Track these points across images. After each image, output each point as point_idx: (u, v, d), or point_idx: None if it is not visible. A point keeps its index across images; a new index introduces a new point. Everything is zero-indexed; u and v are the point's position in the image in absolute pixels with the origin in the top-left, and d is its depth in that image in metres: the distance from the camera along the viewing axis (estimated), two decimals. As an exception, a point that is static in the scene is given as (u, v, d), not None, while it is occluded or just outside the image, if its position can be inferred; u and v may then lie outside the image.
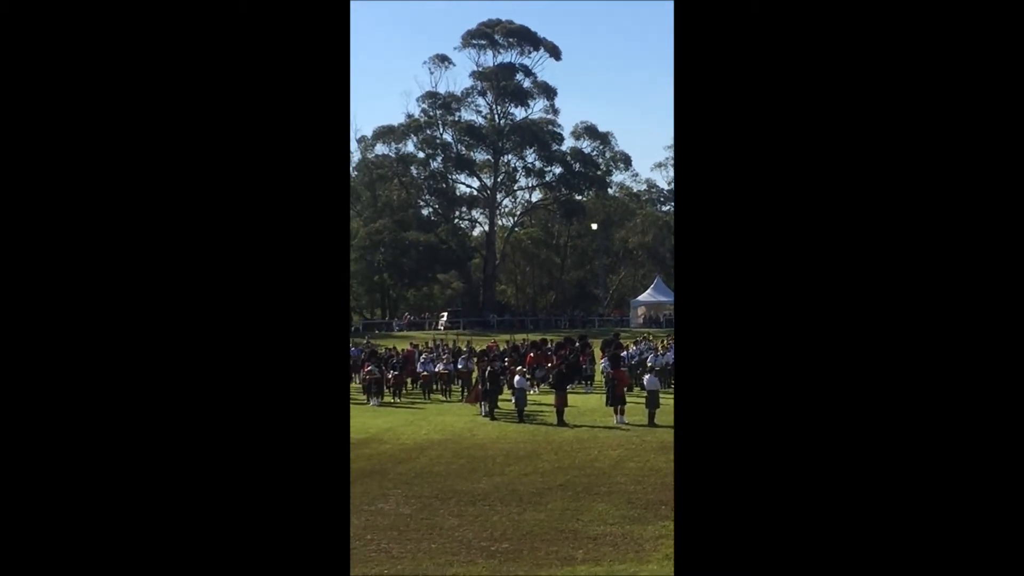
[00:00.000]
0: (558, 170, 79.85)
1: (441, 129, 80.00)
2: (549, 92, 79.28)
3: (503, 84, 77.83)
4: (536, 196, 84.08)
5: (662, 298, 65.69)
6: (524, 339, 41.74)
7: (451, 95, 79.52)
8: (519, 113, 79.73)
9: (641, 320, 65.14)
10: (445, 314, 74.19)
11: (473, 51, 79.40)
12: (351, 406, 30.04)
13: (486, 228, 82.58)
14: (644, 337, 36.43)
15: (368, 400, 31.02)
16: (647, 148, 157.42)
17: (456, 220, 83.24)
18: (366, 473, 17.94)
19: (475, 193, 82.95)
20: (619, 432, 22.25)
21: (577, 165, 79.57)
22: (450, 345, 39.65)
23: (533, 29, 79.32)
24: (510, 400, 26.81)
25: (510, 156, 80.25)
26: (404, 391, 33.06)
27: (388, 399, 31.48)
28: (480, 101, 79.88)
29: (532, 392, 29.16)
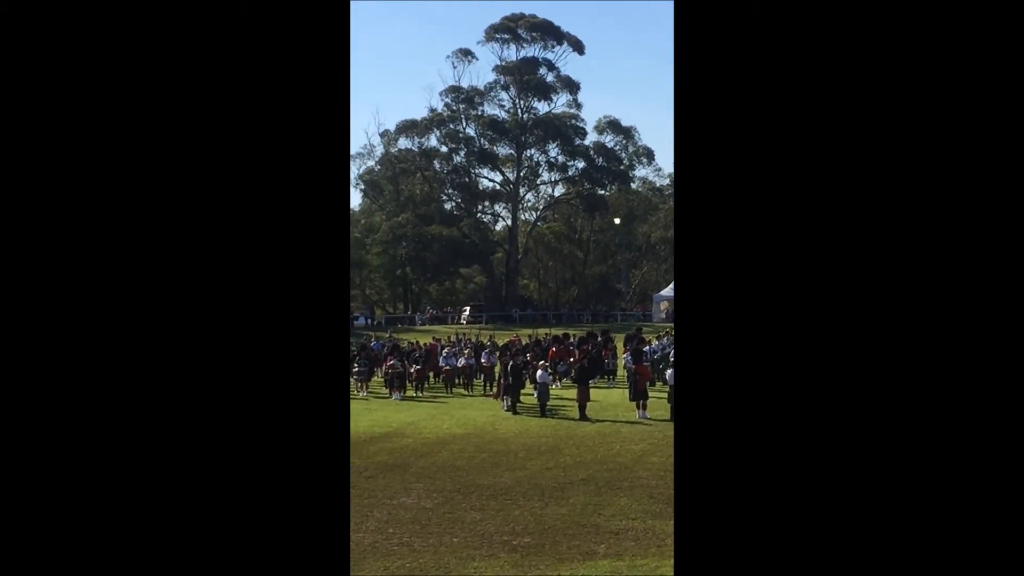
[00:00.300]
0: (581, 164, 79.74)
1: (464, 123, 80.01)
2: (572, 86, 79.18)
3: (526, 78, 77.72)
4: (559, 191, 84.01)
5: (685, 293, 65.32)
6: (546, 333, 41.75)
7: (474, 89, 79.54)
8: (542, 107, 79.67)
9: (664, 315, 64.92)
10: (467, 308, 74.34)
11: (496, 45, 79.41)
12: (374, 400, 30.26)
13: (509, 222, 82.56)
14: (667, 332, 36.35)
15: (390, 394, 31.12)
16: (670, 143, 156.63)
17: (479, 214, 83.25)
18: (388, 467, 17.99)
19: (498, 187, 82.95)
20: (641, 427, 22.23)
21: (600, 159, 79.44)
22: (472, 339, 39.65)
23: (556, 23, 79.30)
24: (532, 395, 26.83)
25: (533, 150, 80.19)
26: (426, 385, 33.14)
27: (410, 393, 31.56)
28: (503, 95, 79.86)
29: (554, 387, 29.16)
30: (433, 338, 41.31)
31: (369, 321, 72.31)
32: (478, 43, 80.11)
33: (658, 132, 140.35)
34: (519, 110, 79.33)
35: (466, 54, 79.87)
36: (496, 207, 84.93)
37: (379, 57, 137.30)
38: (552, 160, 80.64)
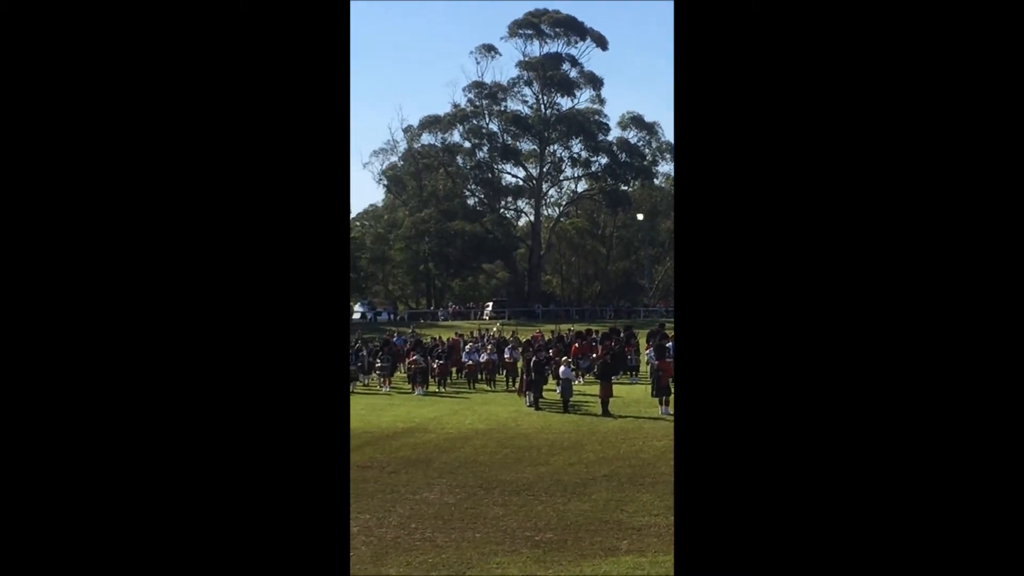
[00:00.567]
0: (604, 160, 79.70)
1: (487, 119, 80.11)
2: (595, 82, 79.14)
3: (549, 74, 77.72)
4: (582, 186, 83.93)
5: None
6: (569, 329, 41.71)
7: (497, 85, 79.56)
8: (565, 103, 79.70)
9: (687, 311, 64.61)
10: (490, 304, 74.44)
11: (520, 41, 79.51)
12: (397, 395, 30.32)
13: (532, 218, 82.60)
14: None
15: (413, 389, 31.19)
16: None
17: (502, 210, 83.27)
18: (411, 462, 18.02)
19: (521, 183, 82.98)
20: (664, 423, 22.17)
21: (623, 155, 79.34)
22: (495, 335, 39.68)
23: (579, 19, 79.21)
24: (555, 390, 26.81)
25: (556, 146, 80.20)
26: (449, 380, 33.21)
27: (433, 388, 31.59)
28: (526, 91, 79.93)
29: (577, 382, 29.13)
30: (456, 333, 41.29)
31: (392, 316, 72.55)
32: (501, 39, 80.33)
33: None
34: (542, 106, 79.33)
35: (489, 50, 79.98)
36: (519, 203, 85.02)
37: (402, 53, 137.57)
38: (575, 156, 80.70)
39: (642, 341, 34.84)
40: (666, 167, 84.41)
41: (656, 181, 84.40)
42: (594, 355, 32.32)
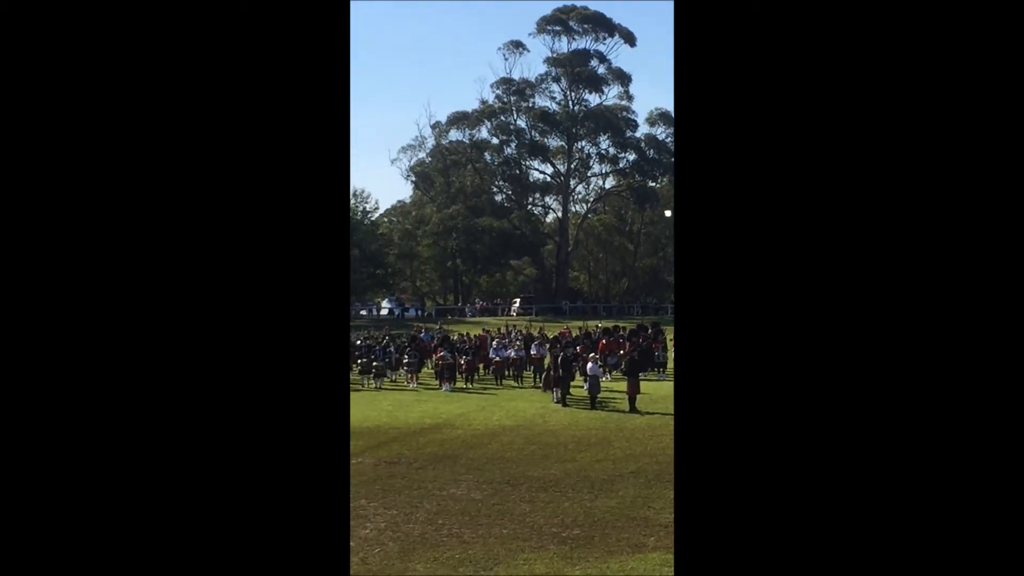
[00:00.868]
0: (632, 156, 79.48)
1: (515, 115, 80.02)
2: (623, 78, 78.94)
3: (577, 70, 77.58)
4: (609, 183, 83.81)
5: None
6: (596, 326, 41.66)
7: (525, 81, 79.51)
8: (593, 99, 79.54)
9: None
10: (518, 300, 74.45)
11: (547, 37, 79.38)
12: (424, 391, 30.37)
13: (559, 214, 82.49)
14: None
15: (440, 385, 31.24)
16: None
17: (529, 206, 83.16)
18: (438, 458, 18.06)
19: (548, 179, 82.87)
20: (692, 420, 22.07)
21: (651, 152, 79.06)
22: (522, 331, 39.68)
23: (608, 15, 79.03)
24: (582, 387, 26.79)
25: (584, 142, 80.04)
26: (476, 377, 33.22)
27: (460, 384, 31.62)
28: (554, 87, 79.84)
29: (604, 379, 29.08)
30: (483, 329, 41.36)
31: (419, 312, 72.69)
32: (529, 35, 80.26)
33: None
34: (570, 102, 79.20)
35: (517, 46, 79.92)
36: (547, 199, 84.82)
37: (431, 49, 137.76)
38: (603, 152, 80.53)
39: (669, 338, 34.69)
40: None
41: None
42: (621, 352, 32.30)
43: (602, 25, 78.52)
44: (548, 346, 33.11)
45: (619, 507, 13.67)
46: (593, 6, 79.07)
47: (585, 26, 78.44)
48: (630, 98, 79.76)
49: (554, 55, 78.91)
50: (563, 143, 79.78)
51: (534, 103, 79.83)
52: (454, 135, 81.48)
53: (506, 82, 79.44)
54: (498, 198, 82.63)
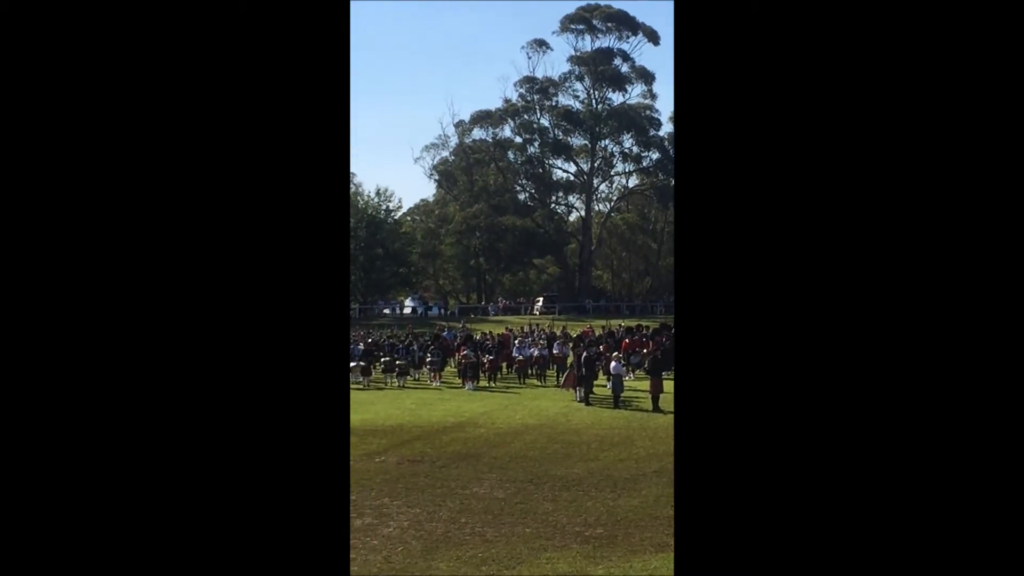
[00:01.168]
0: (655, 155, 79.18)
1: (538, 114, 79.90)
2: (647, 77, 78.68)
3: (601, 69, 77.41)
4: (633, 181, 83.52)
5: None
6: (619, 325, 41.62)
7: (548, 80, 79.36)
8: (617, 98, 79.29)
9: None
10: (540, 299, 74.32)
11: (571, 36, 79.16)
12: (447, 390, 30.41)
13: (582, 213, 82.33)
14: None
15: (463, 384, 31.29)
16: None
17: (552, 205, 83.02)
18: (461, 457, 18.08)
19: (572, 178, 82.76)
20: (715, 420, 22.02)
21: (674, 150, 78.78)
22: (545, 330, 39.68)
23: (631, 14, 78.89)
24: (605, 386, 26.76)
25: (607, 141, 79.83)
26: (499, 375, 33.22)
27: (483, 383, 31.65)
28: (578, 86, 79.63)
29: (627, 378, 29.04)
30: (506, 328, 41.39)
31: (442, 311, 72.73)
32: (553, 33, 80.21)
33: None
34: (593, 100, 79.03)
35: (541, 44, 79.80)
36: (570, 198, 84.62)
37: (454, 48, 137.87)
38: (626, 151, 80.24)
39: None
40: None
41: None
42: (644, 351, 32.23)
43: (626, 24, 78.31)
44: (571, 345, 33.08)
45: (642, 506, 13.66)
46: (617, 4, 78.85)
47: (609, 24, 78.25)
48: (654, 97, 79.54)
49: (577, 53, 78.77)
50: (586, 142, 79.60)
51: (557, 102, 79.71)
52: (477, 134, 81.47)
53: (529, 81, 79.36)
54: (521, 197, 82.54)
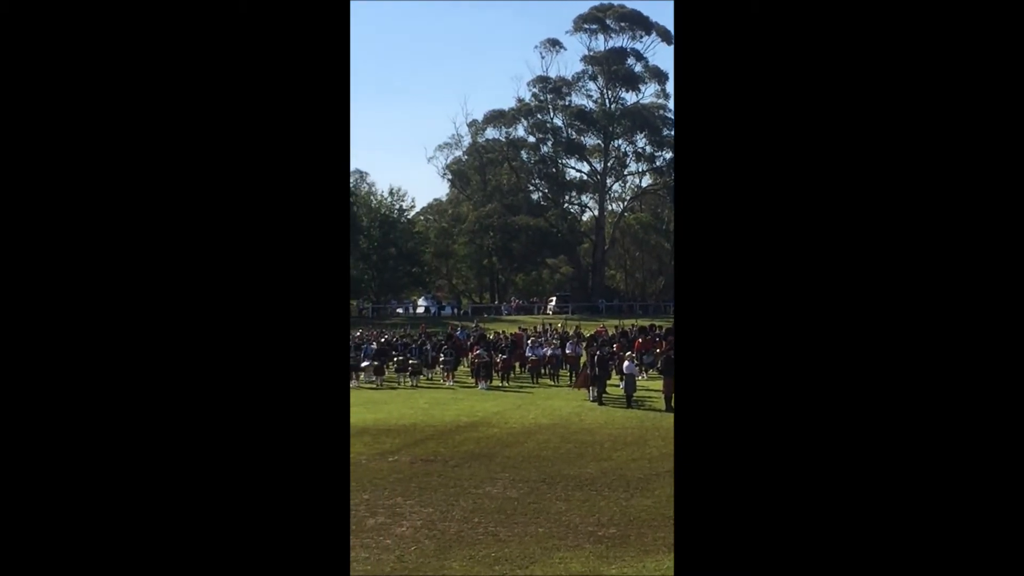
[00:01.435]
0: (669, 155, 79.04)
1: (552, 114, 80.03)
2: (660, 77, 78.75)
3: (614, 69, 77.45)
4: (646, 181, 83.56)
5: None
6: (633, 324, 41.59)
7: (562, 79, 79.47)
8: (630, 98, 79.44)
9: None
10: (554, 298, 74.38)
11: (584, 35, 79.33)
12: (460, 389, 30.43)
13: (596, 213, 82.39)
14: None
15: (476, 383, 31.28)
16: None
17: (566, 205, 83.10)
18: (474, 456, 18.08)
19: (585, 178, 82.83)
20: (728, 420, 21.99)
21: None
22: (559, 330, 39.66)
23: (645, 13, 78.86)
24: (618, 385, 26.74)
25: (620, 141, 79.88)
26: (512, 375, 33.21)
27: (496, 383, 31.64)
28: (591, 86, 79.76)
29: (641, 378, 29.01)
30: (519, 328, 41.37)
31: (455, 310, 72.84)
32: (566, 33, 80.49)
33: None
34: (607, 100, 79.11)
35: (554, 44, 79.94)
36: (583, 197, 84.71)
37: (467, 47, 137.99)
38: (640, 150, 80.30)
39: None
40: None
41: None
42: (658, 350, 32.15)
43: (639, 23, 78.35)
44: (584, 345, 33.07)
45: (655, 506, 13.64)
46: (630, 4, 78.99)
47: (622, 24, 78.31)
48: (667, 96, 79.45)
49: (591, 53, 78.87)
50: (600, 141, 79.66)
51: (571, 101, 79.83)
52: (491, 133, 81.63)
53: (543, 80, 79.46)
54: (534, 196, 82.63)
